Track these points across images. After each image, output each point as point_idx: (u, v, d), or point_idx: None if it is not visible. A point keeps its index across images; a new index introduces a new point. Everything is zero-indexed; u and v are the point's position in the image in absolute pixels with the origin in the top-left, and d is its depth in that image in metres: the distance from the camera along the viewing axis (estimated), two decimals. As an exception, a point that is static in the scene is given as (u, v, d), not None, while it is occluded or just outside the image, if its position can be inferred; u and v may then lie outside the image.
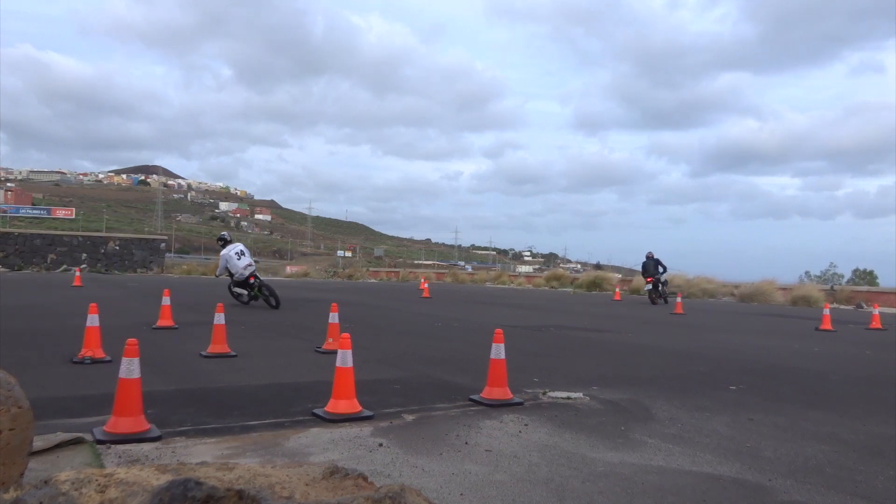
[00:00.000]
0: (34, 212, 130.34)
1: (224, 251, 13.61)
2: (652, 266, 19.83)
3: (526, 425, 4.65)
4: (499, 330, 5.36)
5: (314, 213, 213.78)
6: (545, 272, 42.57)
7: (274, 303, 13.34)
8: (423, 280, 28.32)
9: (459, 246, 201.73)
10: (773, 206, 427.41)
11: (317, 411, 4.71)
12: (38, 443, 3.50)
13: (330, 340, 7.65)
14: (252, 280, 13.43)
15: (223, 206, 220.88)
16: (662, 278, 20.11)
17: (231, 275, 13.58)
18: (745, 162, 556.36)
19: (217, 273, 14.73)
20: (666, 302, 19.98)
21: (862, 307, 22.07)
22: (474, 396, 5.41)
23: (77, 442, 3.81)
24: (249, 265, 13.43)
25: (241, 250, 13.63)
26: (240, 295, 13.65)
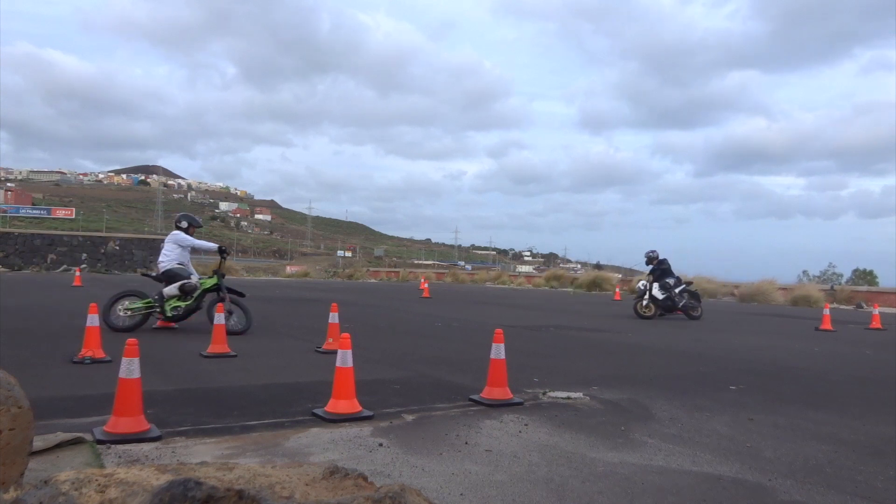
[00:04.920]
0: (34, 212, 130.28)
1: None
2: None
3: (526, 425, 4.65)
4: (499, 330, 5.36)
5: (314, 213, 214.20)
6: (545, 272, 42.56)
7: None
8: (423, 280, 28.32)
9: (459, 246, 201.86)
10: (776, 206, 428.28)
11: (317, 411, 4.71)
12: (38, 443, 3.50)
13: (330, 340, 7.65)
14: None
15: (223, 205, 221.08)
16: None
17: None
18: (750, 161, 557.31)
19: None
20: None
21: (862, 307, 22.07)
22: (474, 396, 5.41)
23: (77, 442, 3.81)
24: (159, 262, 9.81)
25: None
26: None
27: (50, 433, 3.81)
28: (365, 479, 1.99)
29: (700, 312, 14.99)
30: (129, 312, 9.12)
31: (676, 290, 14.89)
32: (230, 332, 8.35)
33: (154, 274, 9.86)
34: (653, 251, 15.48)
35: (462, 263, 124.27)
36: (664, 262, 15.24)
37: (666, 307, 14.82)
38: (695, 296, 15.16)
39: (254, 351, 7.71)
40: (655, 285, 14.92)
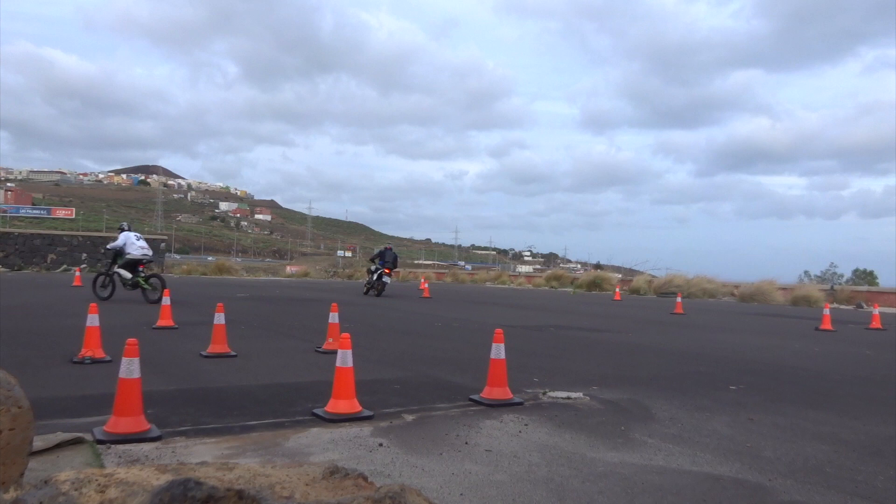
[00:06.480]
0: (34, 212, 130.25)
1: (124, 233, 14.12)
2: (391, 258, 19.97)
3: (526, 425, 4.65)
4: (499, 330, 5.36)
5: (315, 213, 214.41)
6: (545, 272, 42.54)
7: (154, 298, 13.25)
8: (423, 280, 28.31)
9: (459, 246, 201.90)
10: (778, 206, 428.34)
11: (317, 411, 4.71)
12: (38, 443, 3.50)
13: (330, 340, 7.65)
14: (142, 267, 13.84)
15: (223, 205, 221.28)
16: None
17: (119, 256, 13.81)
18: (752, 161, 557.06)
19: (108, 245, 14.69)
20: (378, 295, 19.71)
21: (862, 307, 22.06)
22: (474, 396, 5.41)
23: (77, 442, 3.81)
24: (145, 249, 13.98)
25: (139, 237, 14.34)
26: (124, 280, 13.74)
27: (50, 433, 3.81)
28: (365, 479, 1.99)
29: (380, 283, 19.69)
30: None
31: (374, 276, 19.74)
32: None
33: None
34: (386, 246, 20.55)
35: (462, 263, 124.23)
36: (382, 251, 20.12)
37: (374, 285, 19.69)
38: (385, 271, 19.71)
39: (254, 351, 7.71)
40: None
